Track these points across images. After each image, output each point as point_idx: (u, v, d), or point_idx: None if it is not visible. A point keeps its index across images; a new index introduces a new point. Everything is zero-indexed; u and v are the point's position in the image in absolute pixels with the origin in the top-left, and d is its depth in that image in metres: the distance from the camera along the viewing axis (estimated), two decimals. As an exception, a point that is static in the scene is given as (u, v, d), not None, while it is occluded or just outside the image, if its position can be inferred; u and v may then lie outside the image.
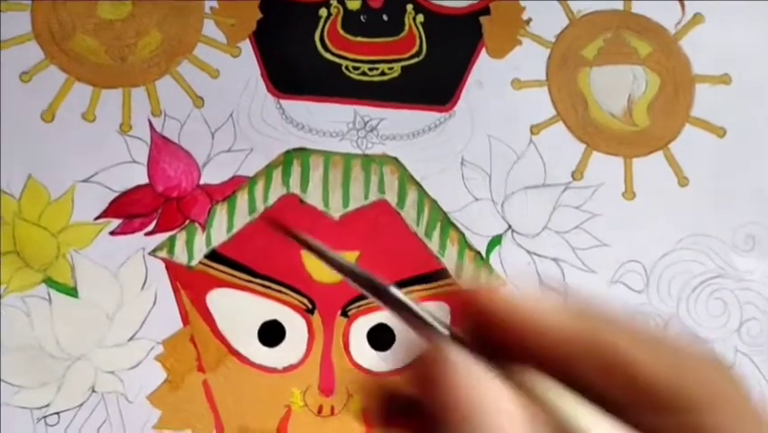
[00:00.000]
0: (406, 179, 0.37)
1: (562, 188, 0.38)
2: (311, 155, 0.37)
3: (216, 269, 0.35)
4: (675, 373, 0.19)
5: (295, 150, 0.37)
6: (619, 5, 0.40)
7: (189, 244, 0.35)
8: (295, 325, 0.35)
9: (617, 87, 0.39)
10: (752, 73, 0.40)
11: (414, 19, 0.38)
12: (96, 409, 0.34)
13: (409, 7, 0.39)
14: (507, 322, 0.19)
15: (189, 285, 0.35)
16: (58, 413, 0.34)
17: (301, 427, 0.35)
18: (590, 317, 0.19)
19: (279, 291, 0.35)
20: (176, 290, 0.35)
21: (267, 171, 0.36)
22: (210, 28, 0.37)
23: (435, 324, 0.19)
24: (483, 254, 0.37)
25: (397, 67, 0.38)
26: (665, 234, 0.38)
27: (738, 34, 0.40)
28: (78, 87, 0.36)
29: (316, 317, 0.35)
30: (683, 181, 0.39)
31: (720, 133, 0.39)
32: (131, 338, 0.35)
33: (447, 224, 0.36)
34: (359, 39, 0.38)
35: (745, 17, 0.41)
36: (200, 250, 0.35)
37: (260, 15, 0.38)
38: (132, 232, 0.35)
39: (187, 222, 0.35)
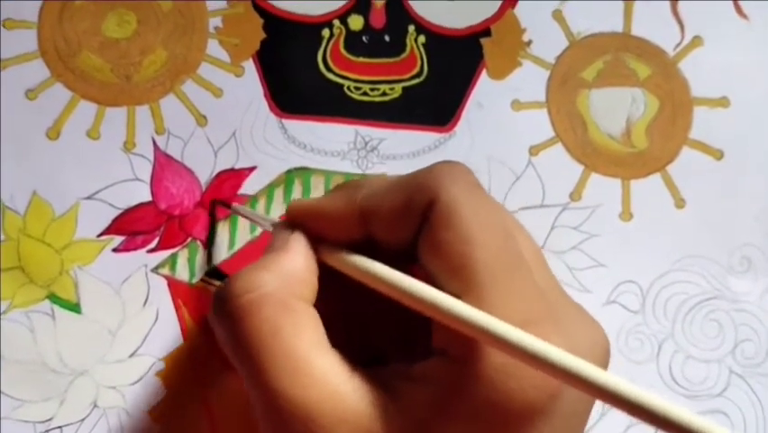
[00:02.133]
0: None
1: (560, 208, 0.38)
2: (312, 174, 0.37)
3: (218, 286, 0.36)
4: (406, 194, 0.26)
5: (296, 169, 0.37)
6: (619, 27, 0.40)
7: (191, 261, 0.36)
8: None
9: (616, 108, 0.40)
10: (750, 96, 0.40)
11: (415, 40, 0.39)
12: (97, 424, 0.35)
13: (411, 28, 0.39)
14: (308, 217, 0.28)
15: (191, 302, 0.36)
16: (60, 427, 0.34)
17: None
18: (353, 192, 0.27)
19: (279, 309, 0.36)
20: (177, 307, 0.36)
21: (268, 190, 0.37)
22: (214, 47, 0.38)
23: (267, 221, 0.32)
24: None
25: (399, 87, 0.38)
26: (662, 255, 0.39)
27: (737, 57, 0.41)
28: (83, 104, 0.36)
29: (316, 336, 0.36)
30: (680, 203, 0.39)
31: (718, 155, 0.40)
32: (132, 354, 0.35)
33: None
34: (361, 59, 0.38)
35: (744, 40, 0.41)
36: (202, 267, 0.36)
37: (263, 35, 0.38)
38: (135, 249, 0.36)
39: (189, 240, 0.36)
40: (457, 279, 0.24)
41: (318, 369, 0.24)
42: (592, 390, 0.21)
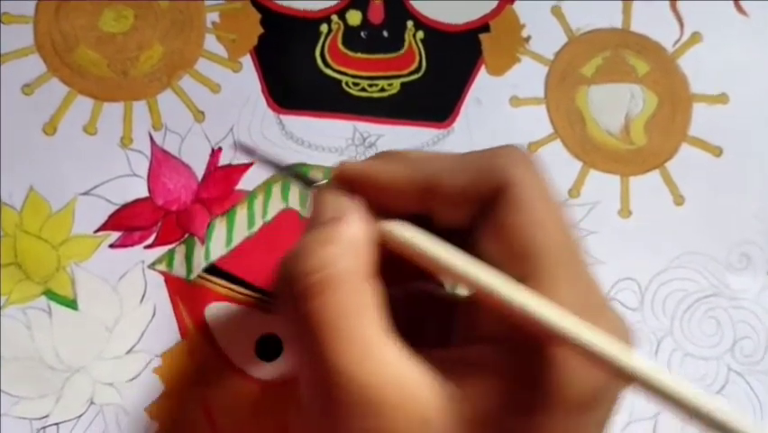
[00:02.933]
0: (404, 195, 0.37)
1: (558, 205, 0.38)
2: (310, 170, 0.37)
3: (215, 282, 0.36)
4: (473, 174, 0.25)
5: (294, 165, 0.37)
6: (618, 23, 0.40)
7: (188, 257, 0.36)
8: (292, 339, 0.35)
9: (615, 105, 0.40)
10: (749, 93, 0.40)
11: (414, 35, 0.39)
12: (94, 421, 0.34)
13: (410, 24, 0.39)
14: (361, 183, 0.26)
15: (188, 298, 0.35)
16: (57, 424, 0.34)
17: (297, 440, 0.35)
18: (415, 164, 0.26)
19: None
20: (174, 304, 0.35)
21: (266, 186, 0.37)
22: (211, 42, 0.37)
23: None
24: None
25: (397, 83, 0.38)
26: (660, 253, 0.39)
27: (737, 54, 0.41)
28: (80, 100, 0.36)
29: (313, 332, 0.35)
30: (679, 200, 0.39)
31: (717, 152, 0.40)
32: (129, 351, 0.35)
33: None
34: (359, 55, 0.38)
35: (743, 37, 0.41)
36: (199, 264, 0.36)
37: (261, 31, 0.38)
38: (132, 245, 0.35)
39: (187, 236, 0.36)
40: (521, 263, 0.24)
41: (386, 354, 0.24)
42: (653, 391, 0.22)
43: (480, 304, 0.25)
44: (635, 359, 0.22)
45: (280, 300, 0.25)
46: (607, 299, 0.26)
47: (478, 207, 0.25)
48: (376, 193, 0.26)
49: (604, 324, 0.23)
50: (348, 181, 0.27)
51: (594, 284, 0.25)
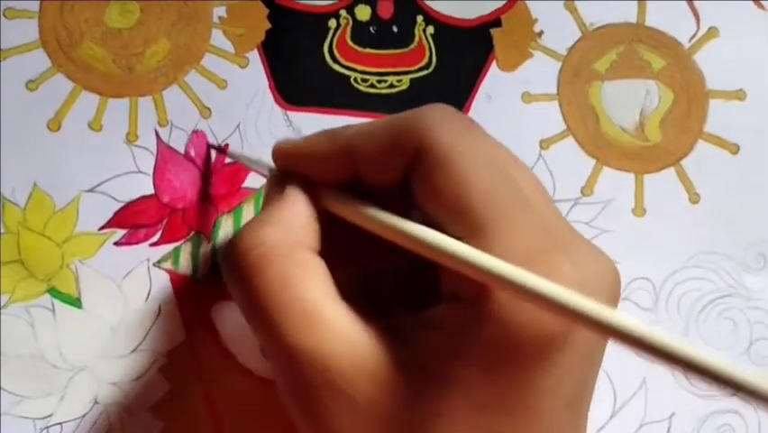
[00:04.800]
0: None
1: (571, 203, 0.38)
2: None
3: (221, 281, 0.35)
4: (390, 137, 0.26)
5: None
6: (633, 18, 0.39)
7: (194, 255, 0.35)
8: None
9: (630, 101, 0.39)
10: (767, 89, 0.39)
11: (424, 30, 0.38)
12: (98, 421, 0.34)
13: (419, 18, 0.38)
14: (295, 160, 0.28)
15: (193, 297, 0.35)
16: (60, 424, 0.34)
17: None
18: (336, 133, 0.27)
19: (283, 305, 0.35)
20: (180, 302, 0.35)
21: (273, 183, 0.36)
22: (218, 38, 0.37)
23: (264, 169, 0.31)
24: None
25: (406, 79, 0.38)
26: (675, 252, 0.38)
27: (754, 49, 0.40)
28: (85, 95, 0.36)
29: (320, 332, 0.35)
30: (694, 198, 0.38)
31: (733, 149, 0.39)
32: (134, 350, 0.34)
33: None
34: (368, 50, 0.38)
35: (761, 32, 0.40)
36: (205, 262, 0.35)
37: (268, 26, 0.37)
38: (137, 243, 0.35)
39: (193, 233, 0.35)
40: (457, 221, 0.24)
41: (332, 318, 0.24)
42: (600, 329, 0.20)
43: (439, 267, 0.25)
44: (575, 299, 0.21)
45: (228, 285, 0.26)
46: (569, 238, 0.25)
47: (403, 169, 0.25)
48: (309, 167, 0.27)
49: (565, 265, 0.23)
50: (285, 159, 0.28)
51: (543, 225, 0.24)
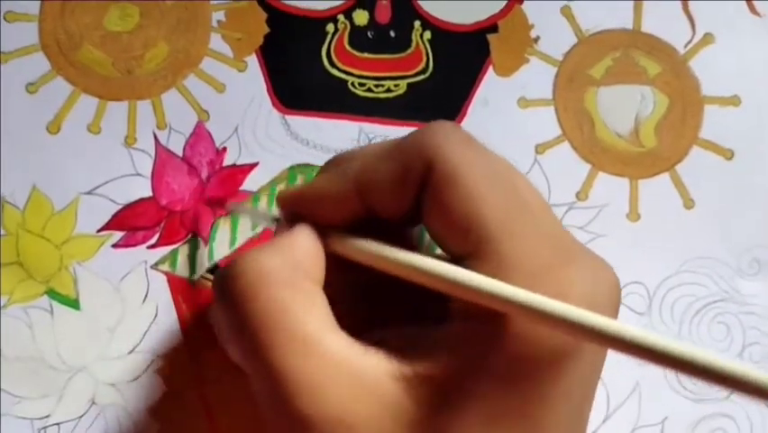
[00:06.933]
0: (409, 197, 0.36)
1: (566, 207, 0.38)
2: (315, 171, 0.37)
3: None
4: (399, 161, 0.26)
5: (299, 165, 0.37)
6: (629, 24, 0.40)
7: (192, 257, 0.35)
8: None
9: (625, 107, 0.39)
10: (762, 95, 0.40)
11: (421, 36, 0.38)
12: (95, 422, 0.34)
13: (417, 24, 0.38)
14: (305, 205, 0.27)
15: (191, 299, 0.35)
16: (58, 424, 0.34)
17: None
18: (343, 170, 0.27)
19: (280, 307, 0.35)
20: (177, 304, 0.35)
21: (270, 186, 0.36)
22: (217, 42, 0.37)
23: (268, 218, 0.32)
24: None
25: (403, 84, 0.38)
26: (669, 257, 0.38)
27: (749, 55, 0.40)
28: (84, 98, 0.36)
29: (316, 334, 0.35)
30: (689, 203, 0.39)
31: (728, 155, 0.39)
32: (131, 351, 0.35)
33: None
34: (365, 55, 0.38)
35: (757, 38, 0.40)
36: (202, 264, 0.36)
37: (267, 30, 0.38)
38: (135, 245, 0.35)
39: (190, 236, 0.36)
40: (467, 238, 0.24)
41: (330, 347, 0.24)
42: (613, 344, 0.21)
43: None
44: (590, 319, 0.21)
45: (217, 305, 0.26)
46: (575, 251, 0.26)
47: (415, 193, 0.25)
48: (321, 210, 0.27)
49: (576, 278, 0.23)
50: (291, 205, 0.28)
51: (552, 239, 0.25)
